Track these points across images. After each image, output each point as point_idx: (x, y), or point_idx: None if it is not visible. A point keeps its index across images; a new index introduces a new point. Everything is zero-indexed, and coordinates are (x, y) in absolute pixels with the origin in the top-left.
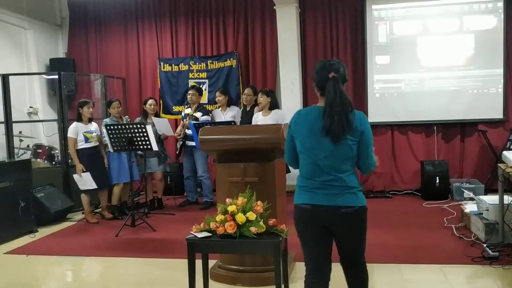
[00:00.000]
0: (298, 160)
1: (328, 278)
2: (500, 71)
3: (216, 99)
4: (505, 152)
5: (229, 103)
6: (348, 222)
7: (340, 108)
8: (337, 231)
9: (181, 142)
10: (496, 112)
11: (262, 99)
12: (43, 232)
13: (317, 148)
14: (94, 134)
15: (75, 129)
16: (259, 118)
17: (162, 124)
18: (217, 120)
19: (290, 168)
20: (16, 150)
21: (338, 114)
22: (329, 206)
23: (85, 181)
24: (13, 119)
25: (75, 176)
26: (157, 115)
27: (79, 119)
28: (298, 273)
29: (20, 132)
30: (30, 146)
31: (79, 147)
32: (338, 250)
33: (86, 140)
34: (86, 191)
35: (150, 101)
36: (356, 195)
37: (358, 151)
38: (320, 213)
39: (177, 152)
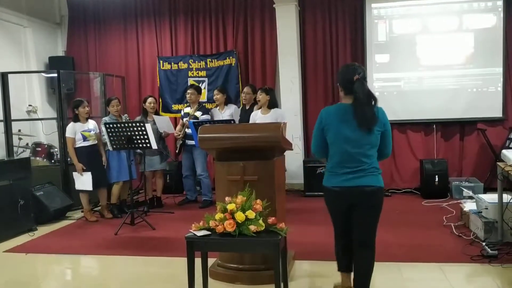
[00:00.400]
0: (325, 150)
1: (350, 240)
2: (500, 69)
3: (214, 97)
4: (504, 151)
5: (227, 102)
6: (370, 199)
7: (368, 103)
8: (359, 206)
9: (181, 142)
10: (495, 110)
11: (261, 97)
12: (42, 230)
13: (349, 138)
14: (92, 132)
15: (72, 129)
16: (258, 116)
17: (163, 122)
18: (215, 118)
19: (288, 167)
20: (15, 149)
21: (367, 109)
22: (355, 187)
23: (83, 180)
24: (12, 117)
25: (74, 174)
26: (156, 113)
27: (76, 119)
28: (298, 271)
29: (19, 131)
30: (29, 145)
31: (77, 145)
32: (354, 229)
33: (85, 138)
34: (82, 191)
35: (150, 100)
36: (378, 177)
37: (381, 140)
38: (347, 193)
39: (177, 151)
